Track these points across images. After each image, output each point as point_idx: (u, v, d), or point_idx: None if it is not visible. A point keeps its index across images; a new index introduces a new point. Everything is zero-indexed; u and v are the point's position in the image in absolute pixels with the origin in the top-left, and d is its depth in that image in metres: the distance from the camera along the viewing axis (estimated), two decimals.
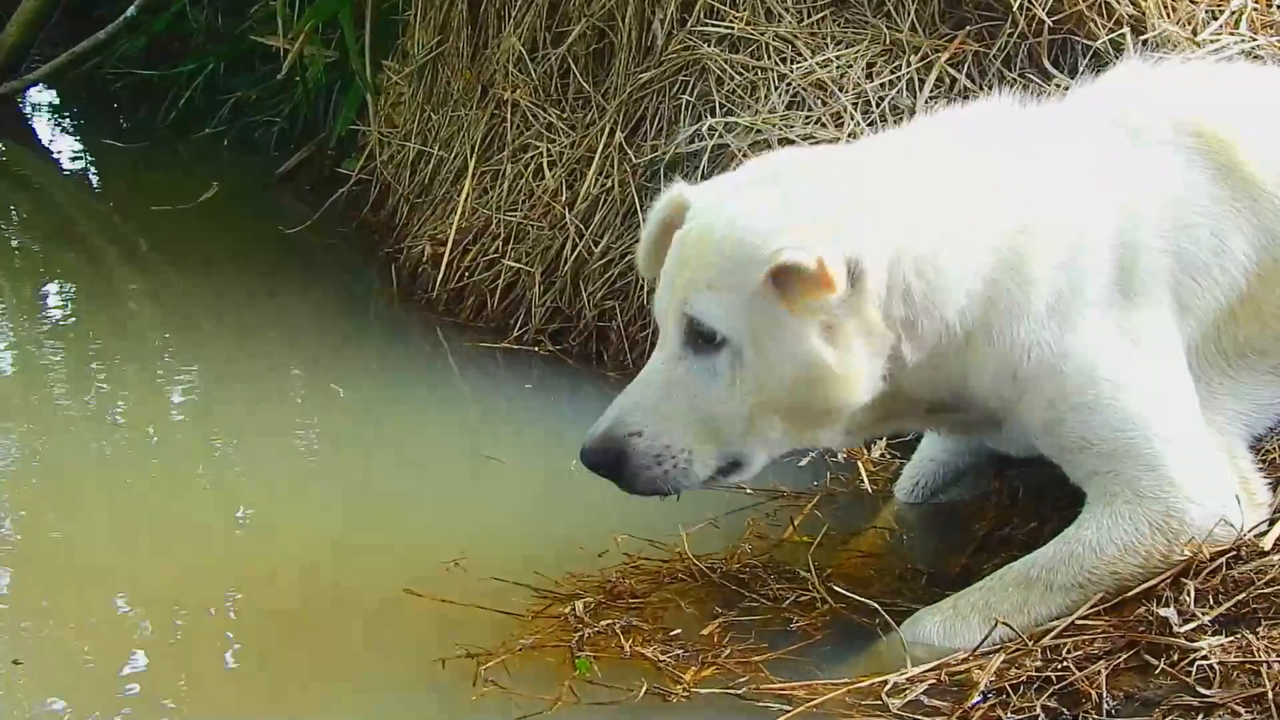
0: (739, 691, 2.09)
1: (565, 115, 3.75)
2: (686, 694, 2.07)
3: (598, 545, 2.53)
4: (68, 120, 6.38)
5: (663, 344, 2.20)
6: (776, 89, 3.34)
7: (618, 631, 2.22)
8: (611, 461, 2.15)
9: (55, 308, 4.14)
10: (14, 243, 4.82)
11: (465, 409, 3.48)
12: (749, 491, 2.73)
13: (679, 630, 2.23)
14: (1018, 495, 2.56)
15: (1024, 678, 2.01)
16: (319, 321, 3.91)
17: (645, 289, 3.40)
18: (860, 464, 2.81)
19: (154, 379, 3.64)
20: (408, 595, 2.35)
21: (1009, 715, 1.97)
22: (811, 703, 2.05)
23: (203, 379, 3.60)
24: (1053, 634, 2.09)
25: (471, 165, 3.89)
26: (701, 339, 2.13)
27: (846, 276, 2.07)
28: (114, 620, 2.44)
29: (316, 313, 3.96)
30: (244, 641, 2.37)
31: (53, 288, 4.27)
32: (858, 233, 2.11)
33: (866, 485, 2.77)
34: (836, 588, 2.31)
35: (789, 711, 2.03)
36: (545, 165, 3.71)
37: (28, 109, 6.36)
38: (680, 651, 2.17)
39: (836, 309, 2.09)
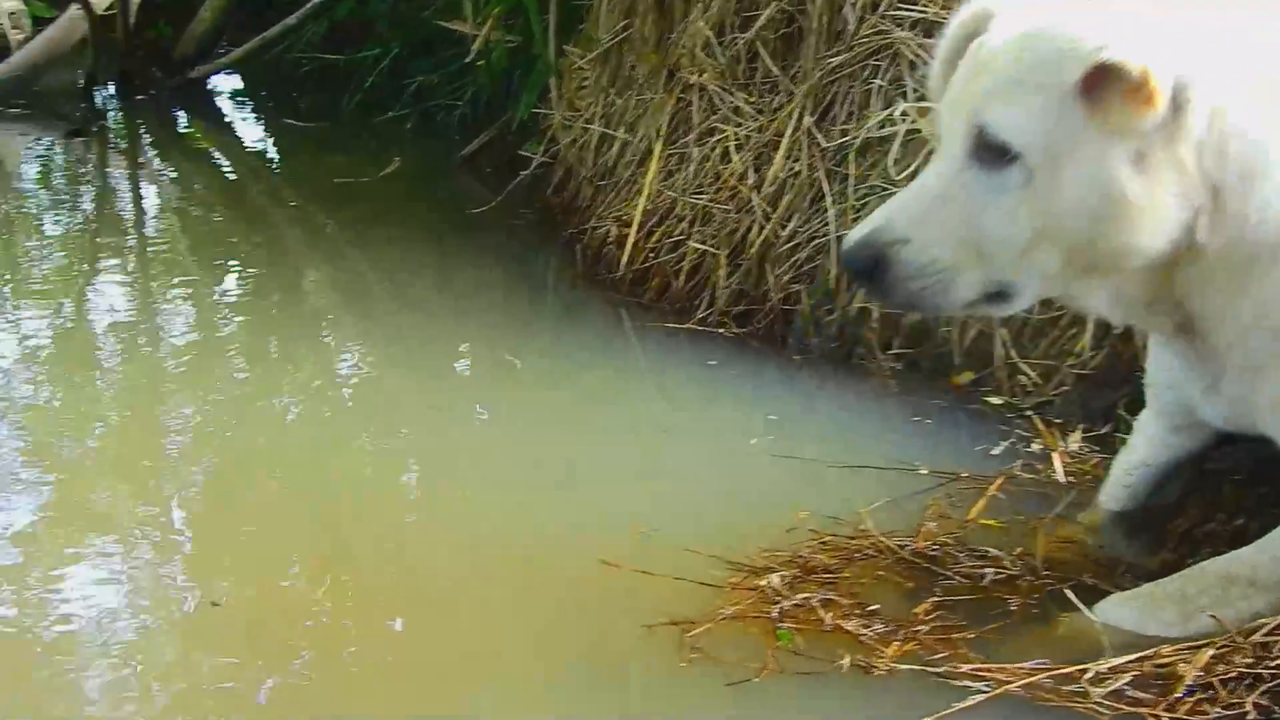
0: (939, 670, 2.11)
1: (752, 99, 3.78)
2: (889, 668, 2.10)
3: (783, 521, 2.56)
4: (253, 103, 6.58)
5: (941, 156, 2.05)
6: None
7: (816, 605, 2.25)
8: (870, 268, 2.01)
9: (233, 282, 4.23)
10: (195, 214, 4.95)
11: (646, 385, 3.50)
12: (926, 472, 2.76)
13: (877, 605, 2.26)
14: (1221, 489, 2.54)
15: (1233, 674, 1.98)
16: (498, 299, 3.97)
17: (833, 273, 3.45)
18: (1055, 455, 2.80)
19: (329, 353, 3.71)
20: (604, 566, 2.43)
21: (1217, 711, 1.94)
22: (1010, 685, 2.06)
23: (378, 354, 3.66)
24: (1263, 631, 2.04)
25: (657, 148, 3.94)
26: (990, 153, 1.95)
27: (1169, 101, 1.86)
28: (300, 584, 2.48)
29: (496, 291, 4.03)
30: (439, 610, 2.40)
31: (233, 262, 4.35)
32: (1191, 57, 1.88)
33: (1059, 475, 2.76)
34: (1037, 569, 2.35)
35: (988, 692, 2.05)
36: (732, 149, 3.75)
37: (216, 92, 6.62)
38: (880, 626, 2.20)
39: (1151, 135, 1.89)
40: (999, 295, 2.03)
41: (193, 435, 3.10)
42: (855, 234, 2.04)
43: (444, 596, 2.44)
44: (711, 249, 3.68)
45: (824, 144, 3.54)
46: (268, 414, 3.26)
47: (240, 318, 3.89)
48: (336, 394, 3.43)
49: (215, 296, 4.05)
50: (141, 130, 6.09)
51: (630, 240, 3.86)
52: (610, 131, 4.25)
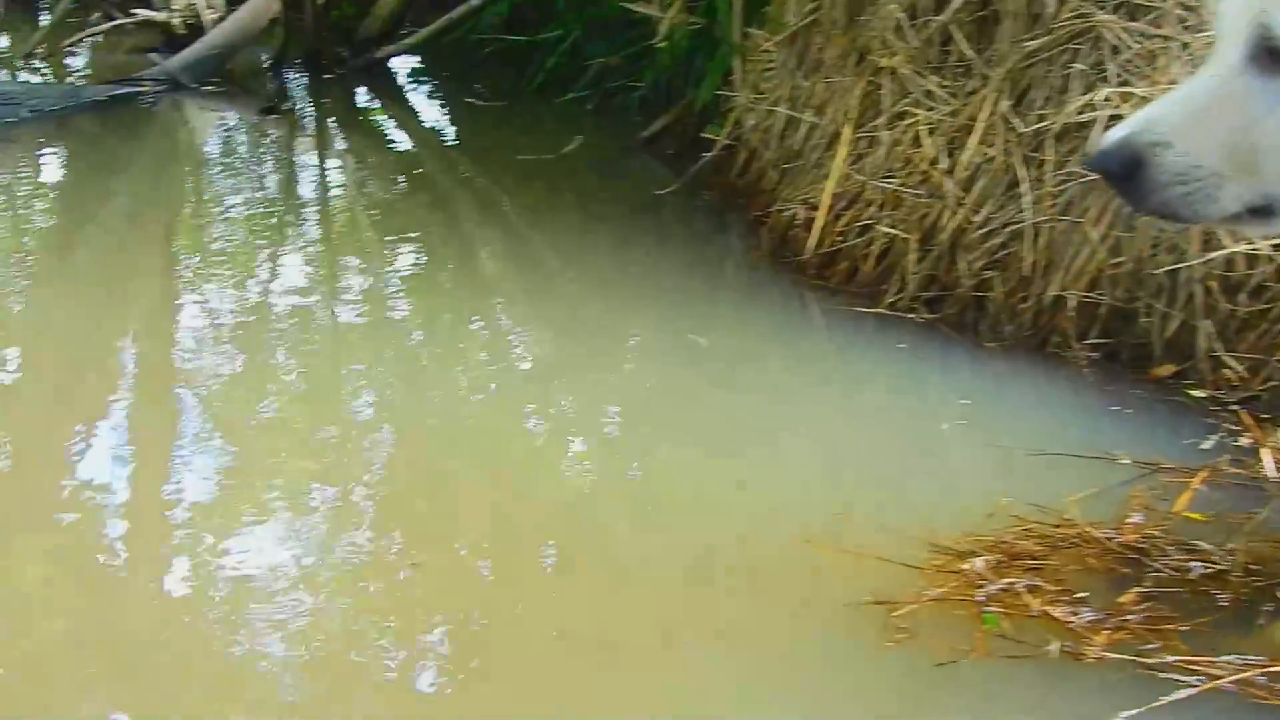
0: (1150, 661, 2.10)
1: (945, 83, 3.75)
2: (1098, 656, 2.09)
3: (981, 506, 2.55)
4: (434, 83, 6.66)
5: (1215, 59, 1.93)
6: (1178, 58, 3.28)
7: (1021, 590, 2.25)
8: (1125, 170, 1.90)
9: (410, 258, 4.27)
10: (375, 191, 5.02)
11: (834, 366, 3.49)
12: (1128, 462, 2.74)
13: (1086, 593, 2.26)
14: None
15: None
16: (680, 280, 3.96)
17: (1027, 260, 3.42)
18: (1265, 450, 2.75)
19: (506, 331, 3.75)
20: (804, 544, 2.45)
21: None
22: (1222, 680, 2.04)
23: (556, 331, 3.69)
24: None
25: (846, 132, 3.94)
26: (1273, 57, 1.83)
27: None
28: (492, 554, 2.53)
29: (678, 272, 4.01)
30: (637, 587, 2.43)
31: (410, 238, 4.40)
32: None
33: (1270, 471, 2.70)
34: (1246, 565, 2.31)
35: (1198, 686, 2.03)
36: (923, 133, 3.73)
37: (398, 72, 6.71)
38: (1089, 614, 2.19)
39: None
40: (1265, 210, 1.92)
41: (370, 407, 3.15)
42: (1111, 135, 1.94)
43: (640, 573, 2.46)
44: (901, 234, 3.67)
45: (1020, 129, 3.51)
46: (444, 388, 3.31)
47: (416, 293, 3.94)
48: (513, 371, 3.46)
49: (392, 272, 4.12)
50: (326, 109, 6.20)
51: (818, 223, 3.86)
52: (796, 114, 4.25)
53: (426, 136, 5.95)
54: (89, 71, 6.57)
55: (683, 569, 2.47)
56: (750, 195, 4.39)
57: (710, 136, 4.75)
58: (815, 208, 3.91)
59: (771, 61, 4.54)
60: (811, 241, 3.88)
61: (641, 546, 2.57)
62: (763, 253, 4.04)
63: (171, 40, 6.66)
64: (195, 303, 3.77)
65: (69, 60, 6.82)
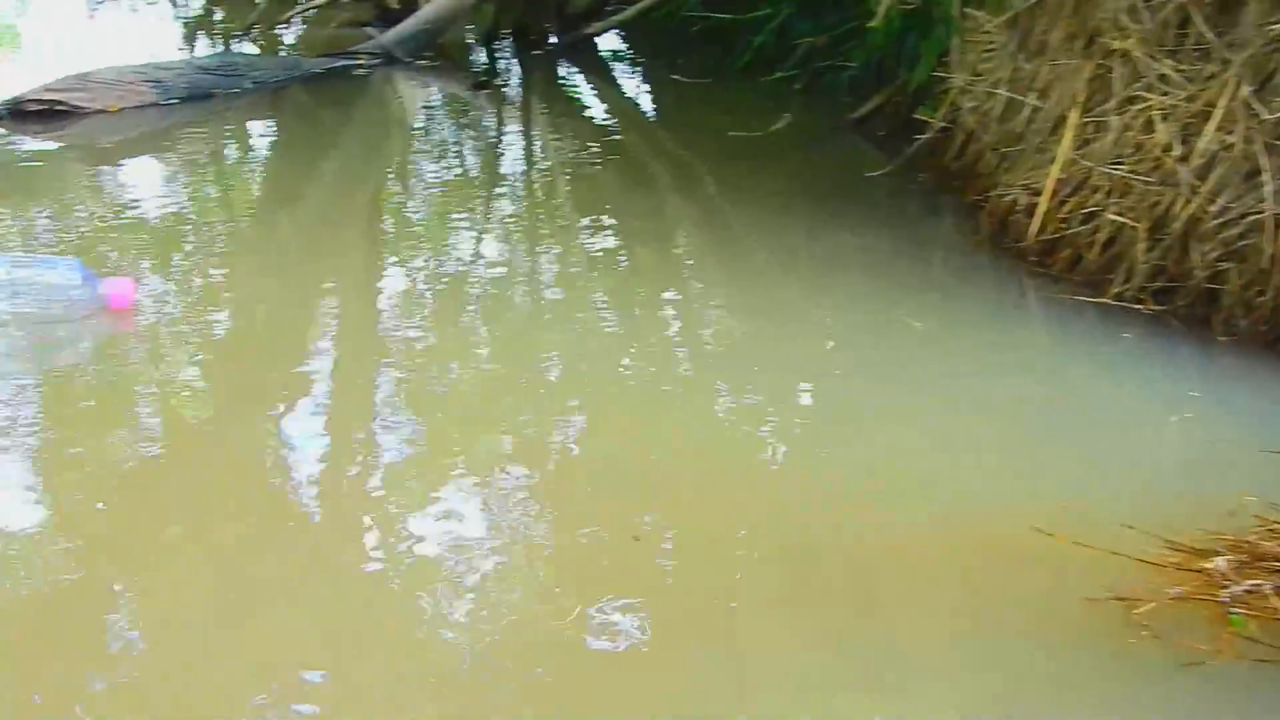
0: None
1: (1181, 67, 3.63)
2: None
3: (1219, 503, 2.46)
4: (640, 60, 6.70)
5: None
6: None
7: (1269, 593, 2.17)
8: None
9: (608, 233, 4.26)
10: (577, 166, 5.02)
11: (1052, 355, 3.40)
12: None
13: None
14: None
15: None
16: (890, 262, 3.90)
17: (1265, 252, 3.30)
18: None
19: (697, 308, 3.70)
20: (1037, 535, 2.40)
21: None
22: None
23: (755, 309, 3.64)
24: None
25: (1072, 116, 3.84)
26: None
27: None
28: (703, 530, 2.50)
29: (888, 254, 3.96)
30: (862, 573, 2.39)
31: (609, 213, 4.39)
32: None
33: None
34: None
35: None
36: (1156, 118, 3.62)
37: (604, 49, 6.73)
38: None
39: None
40: None
41: (564, 383, 3.13)
42: None
43: (865, 559, 2.42)
44: (1130, 222, 3.57)
45: (1264, 116, 3.39)
46: (637, 365, 3.28)
47: (613, 269, 3.95)
48: (711, 351, 3.43)
49: (590, 246, 4.12)
50: (533, 84, 6.28)
51: (1041, 209, 3.78)
52: (1018, 97, 4.16)
53: (630, 113, 5.98)
54: (301, 45, 6.71)
55: (909, 556, 2.43)
56: (966, 179, 4.32)
57: (924, 118, 4.69)
58: (1037, 193, 3.83)
59: (991, 43, 4.46)
60: (1033, 228, 3.80)
61: (865, 531, 2.52)
62: (980, 238, 3.98)
63: (385, 15, 6.76)
64: (395, 274, 3.82)
65: (283, 33, 7.04)
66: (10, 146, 4.69)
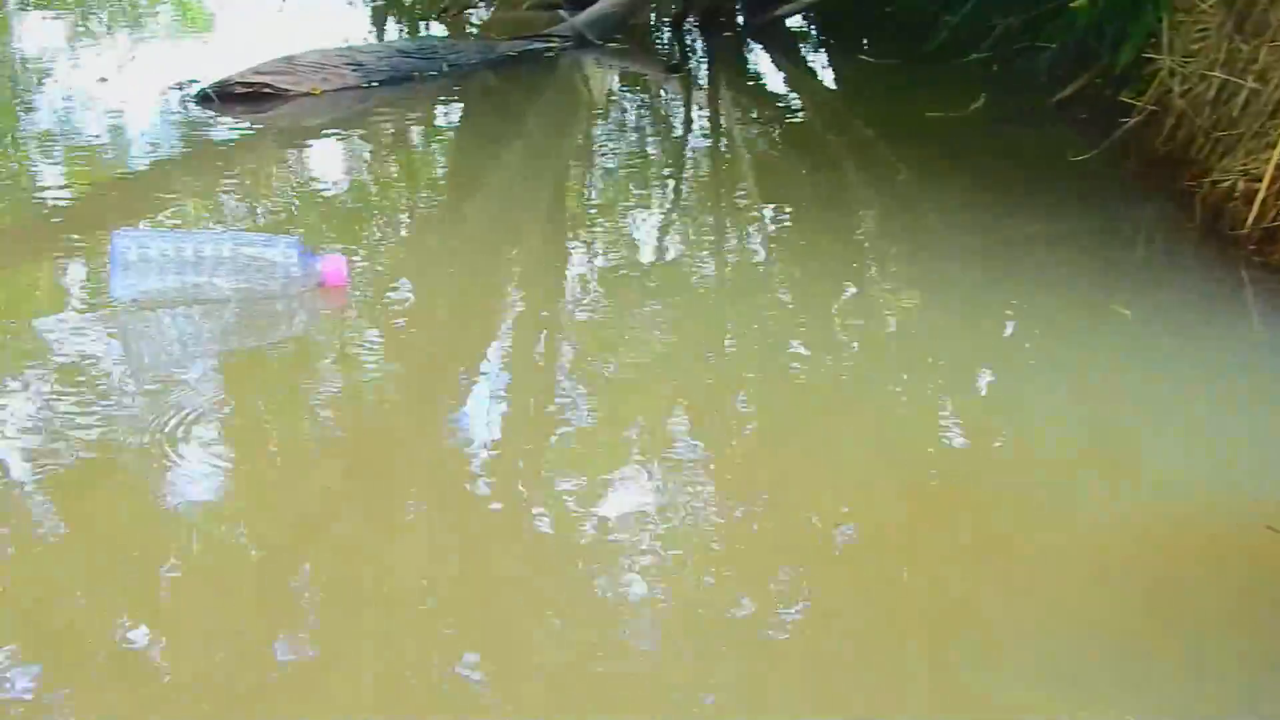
0: None
1: None
2: None
3: None
4: (828, 41, 6.64)
5: None
6: None
7: None
8: None
9: (788, 219, 4.19)
10: (764, 150, 4.97)
11: (1267, 348, 3.25)
12: None
13: None
14: None
15: None
16: (1093, 248, 3.78)
17: None
18: None
19: (884, 296, 3.63)
20: (1271, 534, 2.29)
21: None
22: None
23: (942, 297, 3.54)
24: None
25: None
26: None
27: None
28: (896, 521, 2.46)
29: (1091, 240, 3.84)
30: (1064, 569, 2.30)
31: (790, 197, 4.33)
32: None
33: None
34: None
35: None
36: None
37: (792, 30, 6.71)
38: None
39: None
40: None
41: (740, 366, 3.08)
42: None
43: (1068, 552, 2.34)
44: None
45: None
46: (814, 350, 3.20)
47: (792, 252, 3.88)
48: (894, 334, 3.34)
49: (773, 230, 4.07)
50: (721, 68, 6.27)
51: (1260, 196, 3.66)
52: (1235, 79, 4.03)
53: (819, 95, 5.92)
54: (491, 27, 6.82)
55: (1136, 555, 2.33)
56: (1177, 164, 4.18)
57: (1130, 101, 4.56)
58: (1257, 179, 3.70)
59: (1205, 23, 4.33)
60: (1251, 215, 3.68)
61: (1061, 522, 2.43)
62: (1193, 226, 3.85)
63: None
64: (577, 256, 3.83)
65: (471, 15, 7.17)
66: (221, 127, 4.80)
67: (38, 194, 4.16)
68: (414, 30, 7.32)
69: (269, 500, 2.45)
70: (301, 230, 3.72)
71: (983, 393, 3.03)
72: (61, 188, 4.24)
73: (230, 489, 2.45)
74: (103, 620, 2.06)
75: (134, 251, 2.92)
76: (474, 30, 6.84)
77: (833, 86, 6.10)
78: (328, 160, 4.60)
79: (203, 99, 4.94)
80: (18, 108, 5.20)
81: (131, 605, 2.10)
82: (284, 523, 2.39)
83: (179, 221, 3.85)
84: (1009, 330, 3.33)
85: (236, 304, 3.02)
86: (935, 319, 3.44)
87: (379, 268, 3.56)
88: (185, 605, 2.11)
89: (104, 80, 5.45)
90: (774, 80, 6.23)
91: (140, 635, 2.03)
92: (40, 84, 5.69)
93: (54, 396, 2.72)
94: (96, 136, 4.76)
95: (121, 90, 5.33)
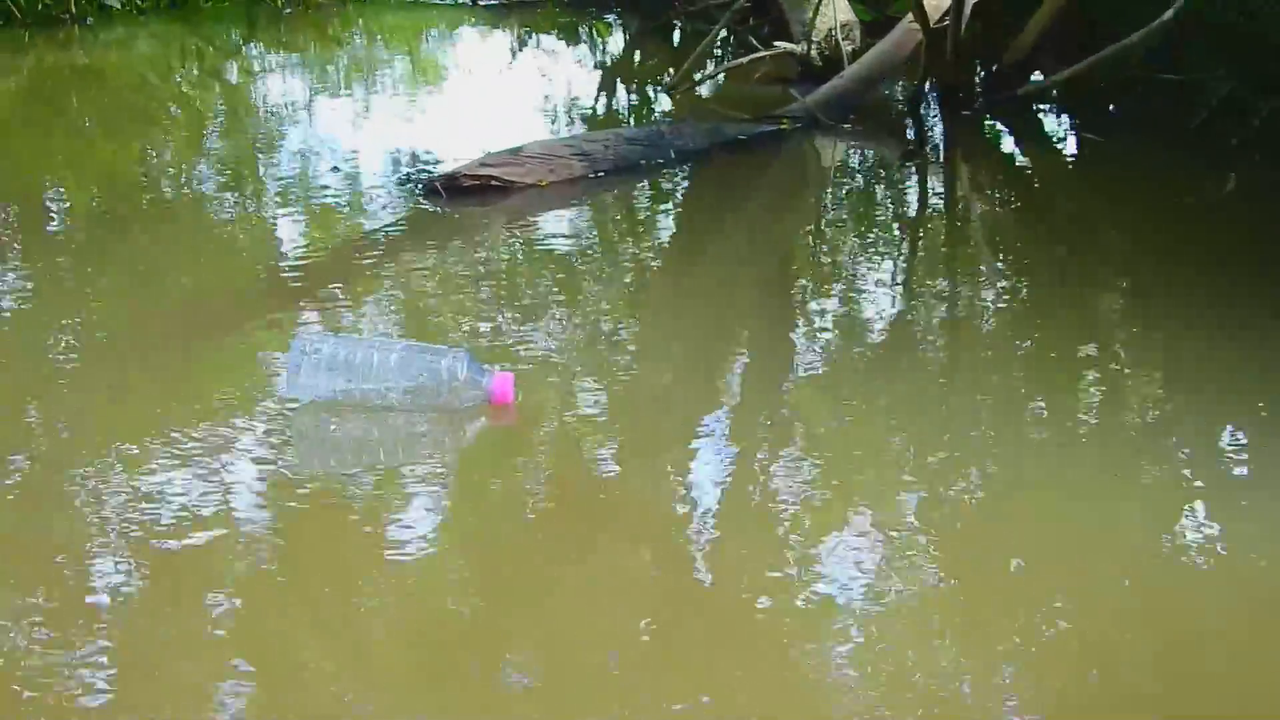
0: None
1: None
2: None
3: None
4: (1072, 120, 6.39)
5: None
6: None
7: None
8: None
9: (1018, 300, 4.05)
10: (999, 234, 4.84)
11: None
12: None
13: None
14: None
15: None
16: None
17: None
18: None
19: (1127, 382, 3.45)
20: None
21: None
22: None
23: (1185, 385, 3.39)
24: None
25: None
26: None
27: None
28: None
29: None
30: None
31: (1025, 283, 4.21)
32: None
33: None
34: None
35: None
36: None
37: (1035, 107, 6.49)
38: None
39: None
40: None
41: (966, 449, 2.96)
42: None
43: None
44: None
45: None
46: (1052, 442, 3.04)
47: (1027, 330, 3.76)
48: (1151, 435, 3.14)
49: (1004, 309, 3.93)
50: (961, 148, 6.08)
51: None
52: None
53: (1063, 176, 5.71)
54: (719, 101, 6.73)
55: None
56: None
57: None
58: None
59: None
60: None
61: None
62: None
63: (808, 73, 6.76)
64: (799, 333, 3.76)
65: (701, 90, 7.12)
66: (448, 222, 4.82)
67: (253, 271, 4.27)
68: (642, 97, 7.36)
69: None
70: (517, 322, 3.69)
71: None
72: (272, 269, 4.29)
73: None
74: None
75: (310, 353, 2.98)
76: (705, 105, 6.76)
77: (1077, 166, 5.87)
78: (558, 254, 4.51)
79: (430, 192, 4.98)
80: (249, 188, 5.33)
81: None
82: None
83: (383, 316, 3.84)
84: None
85: (403, 414, 3.00)
86: (1180, 411, 3.23)
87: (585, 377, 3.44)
88: None
89: (336, 170, 5.52)
90: (1016, 161, 6.05)
91: None
92: (272, 160, 5.85)
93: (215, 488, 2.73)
94: (317, 229, 4.76)
95: (351, 179, 5.39)
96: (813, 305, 3.99)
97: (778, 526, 2.63)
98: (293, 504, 2.70)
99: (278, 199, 5.14)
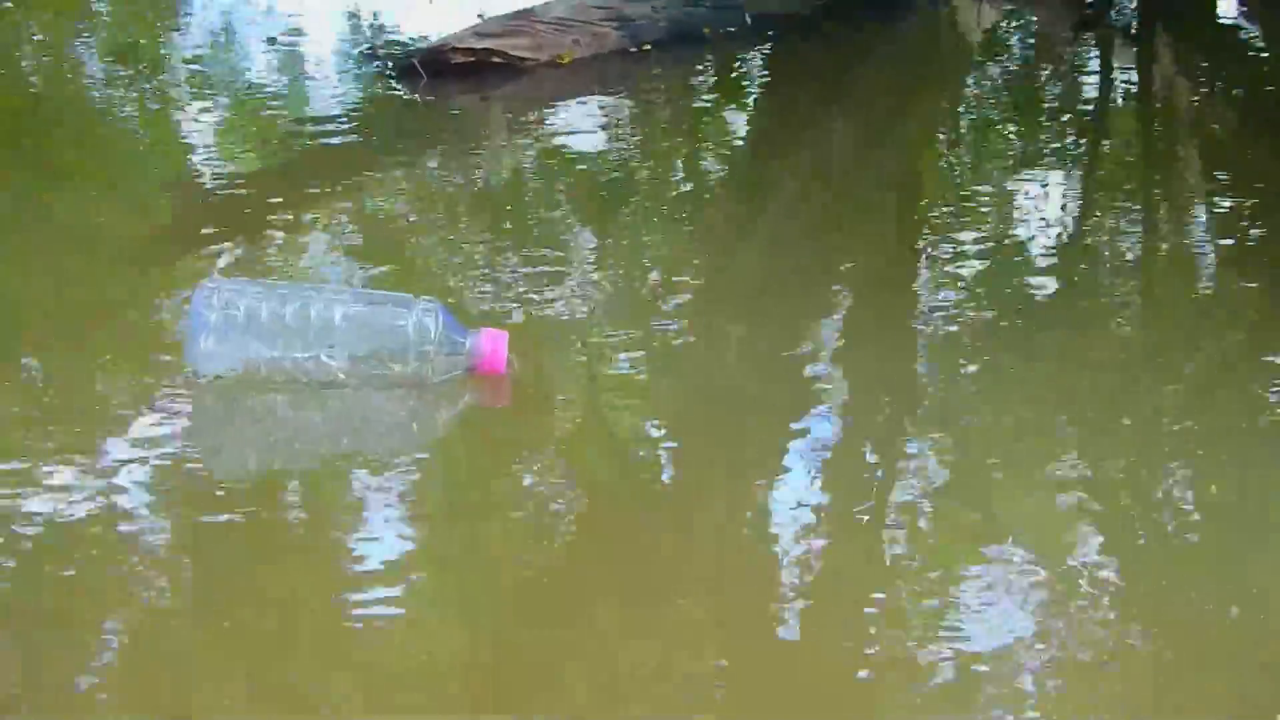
0: None
1: None
2: None
3: None
4: None
5: None
6: None
7: None
8: None
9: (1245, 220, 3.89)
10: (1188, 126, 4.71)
11: None
12: None
13: None
14: None
15: None
16: None
17: None
18: None
19: None
20: None
21: None
22: None
23: None
24: None
25: None
26: None
27: None
28: None
29: None
30: None
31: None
32: None
33: None
34: None
35: None
36: None
37: None
38: None
39: None
40: None
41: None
42: None
43: None
44: None
45: None
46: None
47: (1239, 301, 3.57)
48: None
49: (1217, 256, 3.82)
50: (1162, 16, 5.84)
51: None
52: None
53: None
54: None
55: None
56: None
57: None
58: None
59: None
60: None
61: None
62: None
63: None
64: (927, 285, 3.67)
65: None
66: (431, 116, 4.60)
67: (154, 193, 4.11)
68: None
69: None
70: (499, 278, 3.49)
71: None
72: (183, 187, 4.12)
73: None
74: None
75: (218, 309, 2.85)
76: None
77: None
78: (562, 169, 4.30)
79: (405, 73, 4.66)
80: (148, 75, 5.21)
81: None
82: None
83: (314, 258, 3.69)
84: None
85: (351, 391, 2.87)
86: None
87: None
88: None
89: (272, 43, 5.20)
90: (1243, 35, 5.80)
91: None
92: (182, 33, 5.71)
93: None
94: (244, 129, 4.63)
95: (293, 57, 5.24)
96: (946, 248, 3.68)
97: (896, 564, 2.51)
98: (202, 520, 2.52)
99: (190, 89, 4.89)
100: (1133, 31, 5.77)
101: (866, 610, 2.42)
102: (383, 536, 2.54)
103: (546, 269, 3.59)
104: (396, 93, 4.76)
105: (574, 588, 2.46)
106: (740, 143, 4.72)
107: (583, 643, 2.34)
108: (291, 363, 2.85)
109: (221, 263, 3.64)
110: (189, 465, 2.75)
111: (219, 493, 2.66)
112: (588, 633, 2.37)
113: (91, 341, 3.26)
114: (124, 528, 2.56)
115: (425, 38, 5.10)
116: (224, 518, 2.57)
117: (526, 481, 2.77)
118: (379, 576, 2.42)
